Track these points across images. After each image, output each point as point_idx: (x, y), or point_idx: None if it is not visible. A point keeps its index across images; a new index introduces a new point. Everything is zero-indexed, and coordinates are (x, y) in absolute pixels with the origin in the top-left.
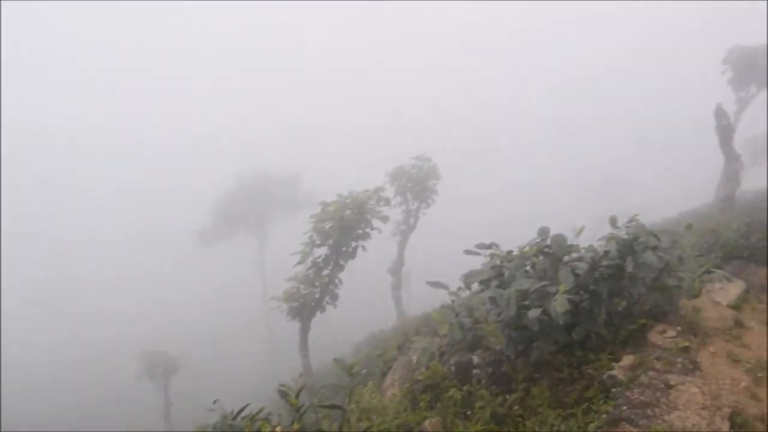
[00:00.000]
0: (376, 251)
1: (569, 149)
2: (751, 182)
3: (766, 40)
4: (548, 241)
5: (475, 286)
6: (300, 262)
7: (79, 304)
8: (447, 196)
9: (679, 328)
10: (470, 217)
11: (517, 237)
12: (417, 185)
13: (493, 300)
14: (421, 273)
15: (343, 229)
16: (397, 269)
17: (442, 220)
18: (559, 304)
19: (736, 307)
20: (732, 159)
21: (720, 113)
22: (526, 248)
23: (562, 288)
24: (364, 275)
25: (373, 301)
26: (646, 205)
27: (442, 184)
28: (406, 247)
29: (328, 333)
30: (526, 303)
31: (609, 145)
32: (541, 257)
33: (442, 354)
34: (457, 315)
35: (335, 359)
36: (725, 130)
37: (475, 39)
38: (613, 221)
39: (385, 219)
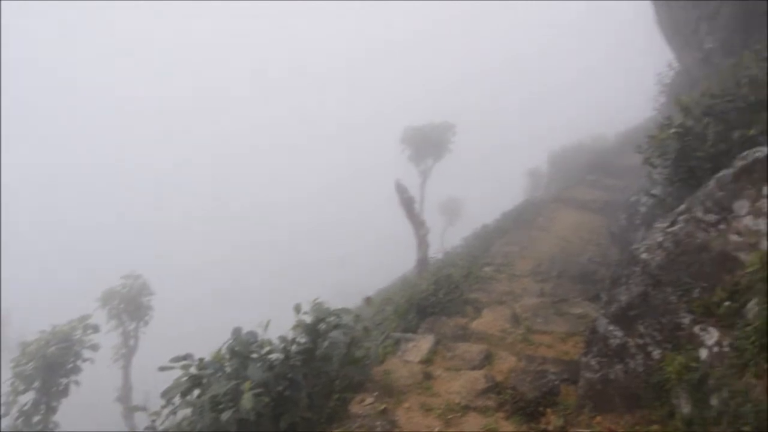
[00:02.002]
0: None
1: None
2: (450, 240)
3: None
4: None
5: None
6: (5, 415)
7: None
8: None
9: (376, 393)
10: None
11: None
12: (130, 305)
13: (194, 411)
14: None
15: (49, 367)
16: (126, 396)
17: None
18: (246, 402)
19: (428, 360)
20: (418, 226)
21: (400, 188)
22: (220, 351)
23: (247, 385)
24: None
25: None
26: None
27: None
28: (131, 370)
29: None
30: (221, 407)
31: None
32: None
33: None
34: None
35: None
36: (407, 202)
37: None
38: (297, 308)
39: (95, 347)
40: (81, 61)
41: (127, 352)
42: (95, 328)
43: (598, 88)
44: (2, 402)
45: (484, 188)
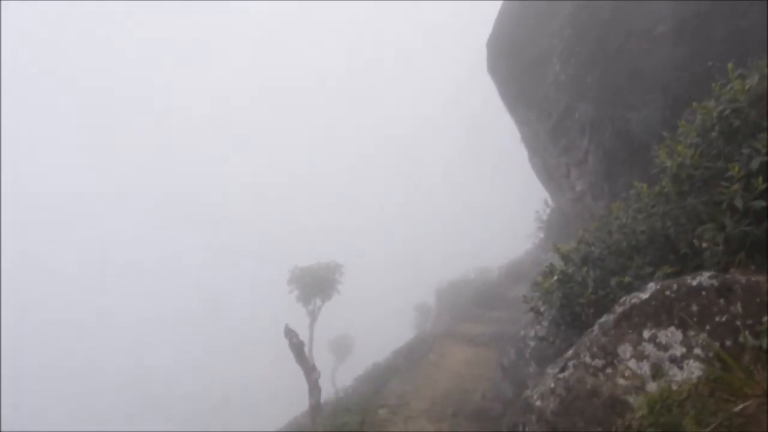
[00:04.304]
0: None
1: None
2: (342, 378)
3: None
4: None
5: None
6: None
7: None
8: None
9: None
10: None
11: None
12: None
13: None
14: None
15: None
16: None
17: None
18: None
19: None
20: (309, 371)
21: (289, 332)
22: None
23: None
24: None
25: None
26: None
27: None
28: None
29: None
30: None
31: None
32: None
33: None
34: None
35: None
36: (297, 347)
37: None
38: None
39: None
40: None
41: None
42: None
43: (483, 221)
44: None
45: (373, 323)
